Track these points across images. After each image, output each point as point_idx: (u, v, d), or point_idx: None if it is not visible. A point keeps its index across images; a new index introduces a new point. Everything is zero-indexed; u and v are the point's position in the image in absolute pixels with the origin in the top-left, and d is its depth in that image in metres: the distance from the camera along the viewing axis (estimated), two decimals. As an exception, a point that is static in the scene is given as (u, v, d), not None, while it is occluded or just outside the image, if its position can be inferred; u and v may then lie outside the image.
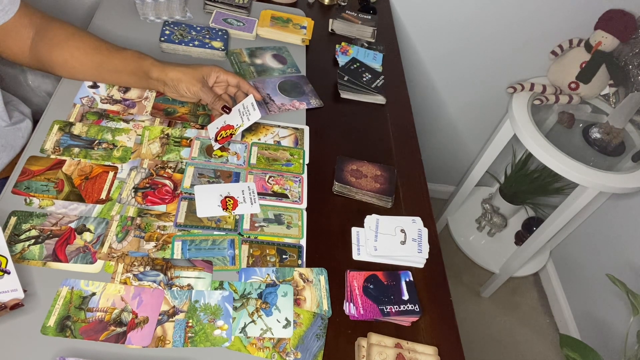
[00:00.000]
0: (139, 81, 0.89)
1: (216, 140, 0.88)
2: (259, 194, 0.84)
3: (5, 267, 0.62)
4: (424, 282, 0.79)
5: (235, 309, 0.69)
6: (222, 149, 0.88)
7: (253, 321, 0.68)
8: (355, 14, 1.26)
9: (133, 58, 0.86)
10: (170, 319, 0.66)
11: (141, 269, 0.70)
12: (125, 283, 0.68)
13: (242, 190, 0.83)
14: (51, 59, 0.85)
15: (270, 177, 0.87)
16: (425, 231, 0.84)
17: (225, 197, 0.81)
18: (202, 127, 0.91)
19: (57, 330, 0.62)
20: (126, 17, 1.10)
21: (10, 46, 0.84)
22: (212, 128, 0.90)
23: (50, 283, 0.66)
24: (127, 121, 0.89)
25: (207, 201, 0.80)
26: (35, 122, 0.91)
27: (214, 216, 0.79)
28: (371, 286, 0.75)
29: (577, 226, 1.78)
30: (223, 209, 0.79)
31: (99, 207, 0.76)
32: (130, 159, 0.83)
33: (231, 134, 0.87)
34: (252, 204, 0.81)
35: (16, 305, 0.61)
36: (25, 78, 1.03)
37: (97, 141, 0.84)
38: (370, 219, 0.84)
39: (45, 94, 1.06)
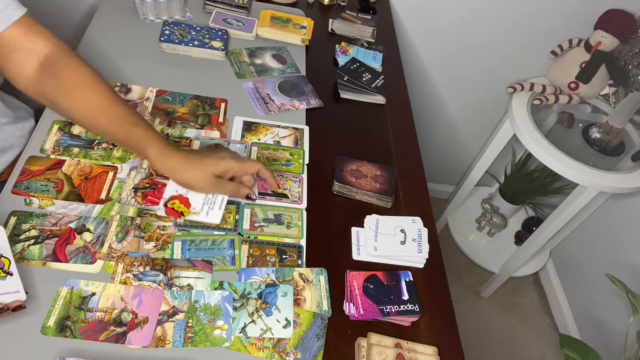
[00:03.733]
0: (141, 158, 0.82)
1: (165, 205, 0.77)
2: (259, 194, 0.84)
3: (9, 268, 0.62)
4: (423, 282, 0.79)
5: (235, 309, 0.69)
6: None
7: (253, 321, 0.68)
8: (355, 14, 1.26)
9: (137, 140, 0.73)
10: (170, 319, 0.66)
11: (141, 269, 0.70)
12: (125, 283, 0.68)
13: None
14: (56, 103, 0.74)
15: (270, 177, 0.87)
16: (425, 231, 0.84)
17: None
18: (202, 127, 0.91)
19: (57, 331, 0.62)
20: (126, 17, 1.10)
21: (8, 66, 0.74)
22: (170, 190, 0.79)
23: (50, 283, 0.66)
24: (127, 121, 0.88)
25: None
26: (36, 122, 0.91)
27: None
28: (371, 286, 0.75)
29: (577, 226, 1.78)
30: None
31: (98, 207, 0.76)
32: (130, 159, 0.83)
33: (182, 213, 0.76)
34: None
35: (18, 307, 0.61)
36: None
37: (96, 141, 0.84)
38: (370, 219, 0.84)
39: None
